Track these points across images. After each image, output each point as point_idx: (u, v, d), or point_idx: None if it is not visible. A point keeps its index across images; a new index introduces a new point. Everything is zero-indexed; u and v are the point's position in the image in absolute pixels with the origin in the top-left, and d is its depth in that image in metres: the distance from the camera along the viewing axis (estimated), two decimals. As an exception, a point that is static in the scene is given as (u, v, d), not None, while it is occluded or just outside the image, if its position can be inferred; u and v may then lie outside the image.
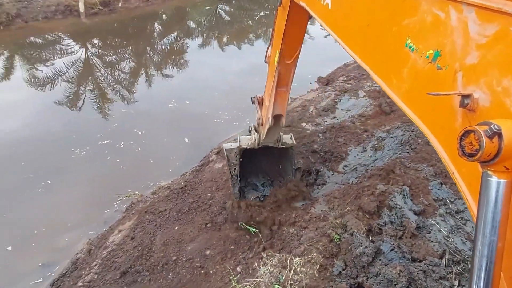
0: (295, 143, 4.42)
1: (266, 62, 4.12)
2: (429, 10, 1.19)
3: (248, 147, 4.39)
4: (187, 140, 7.34)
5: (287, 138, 4.40)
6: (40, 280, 5.16)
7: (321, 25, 2.21)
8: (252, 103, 4.63)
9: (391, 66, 1.49)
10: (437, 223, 4.10)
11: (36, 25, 12.22)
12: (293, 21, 3.22)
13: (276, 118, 3.89)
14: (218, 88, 9.23)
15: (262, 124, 4.25)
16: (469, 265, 3.69)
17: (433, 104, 1.20)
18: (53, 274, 5.22)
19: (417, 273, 3.41)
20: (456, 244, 3.89)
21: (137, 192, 6.49)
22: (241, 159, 4.47)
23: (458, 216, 4.18)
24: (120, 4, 13.43)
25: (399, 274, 3.28)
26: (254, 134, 4.44)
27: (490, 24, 0.99)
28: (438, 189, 4.44)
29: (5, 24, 11.52)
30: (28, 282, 5.11)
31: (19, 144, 7.37)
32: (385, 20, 1.49)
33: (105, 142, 7.32)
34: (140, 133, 7.52)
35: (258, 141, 4.33)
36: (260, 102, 4.43)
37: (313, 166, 5.82)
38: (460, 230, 4.05)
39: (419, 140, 5.05)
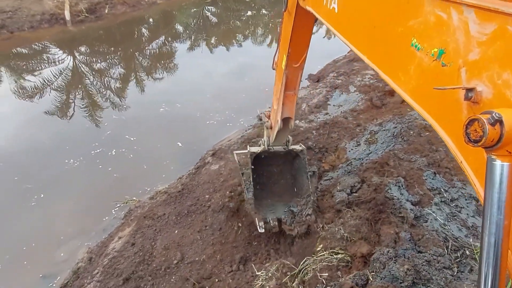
0: (304, 148, 4.48)
1: (273, 69, 4.15)
2: (432, 11, 1.28)
3: (258, 152, 4.41)
4: (180, 144, 7.35)
5: (297, 147, 4.47)
6: (41, 291, 5.13)
7: (327, 28, 2.27)
8: (260, 120, 4.68)
9: (398, 64, 1.56)
10: (433, 212, 4.23)
11: (22, 35, 12.01)
12: (300, 25, 3.25)
13: (285, 121, 3.95)
14: (208, 90, 9.25)
15: (271, 128, 4.30)
16: (467, 252, 3.82)
17: (440, 98, 1.28)
18: (54, 285, 5.19)
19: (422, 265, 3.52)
20: (452, 231, 4.02)
21: (134, 198, 6.48)
22: (252, 166, 4.45)
23: (453, 204, 4.31)
24: (106, 11, 13.30)
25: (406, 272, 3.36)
26: (262, 140, 4.53)
27: (488, 23, 1.07)
28: (432, 179, 4.56)
29: (-11, 36, 11.33)
30: (29, 294, 5.09)
31: (11, 157, 7.27)
32: (391, 21, 1.57)
33: (98, 151, 7.28)
34: (132, 139, 7.50)
35: (268, 144, 4.37)
36: (268, 116, 4.48)
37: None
38: (455, 217, 4.17)
39: (411, 132, 5.18)
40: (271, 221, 4.49)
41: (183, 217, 5.65)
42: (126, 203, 6.43)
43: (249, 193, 4.43)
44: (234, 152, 4.67)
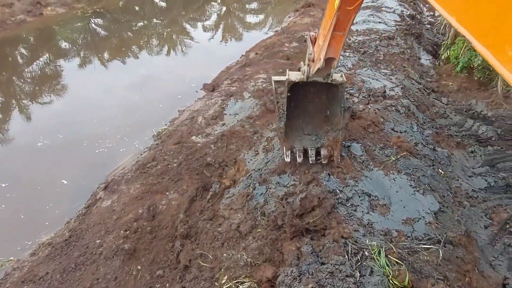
0: (345, 80, 4.20)
1: None
2: None
3: (297, 81, 4.19)
4: (65, 182, 6.34)
5: (337, 76, 4.17)
6: None
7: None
8: (304, 41, 4.39)
9: (508, 33, 1.12)
10: (331, 217, 4.09)
11: None
12: None
13: (328, 60, 3.67)
14: (97, 112, 8.23)
15: (313, 60, 4.03)
16: (366, 252, 3.73)
17: None
18: None
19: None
20: (350, 233, 3.92)
21: (12, 258, 5.39)
22: (288, 94, 4.29)
23: (349, 204, 4.24)
24: (-39, 34, 11.22)
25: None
26: (303, 67, 4.19)
27: None
28: (327, 181, 4.46)
29: None
30: None
31: None
32: None
33: (-43, 207, 5.92)
34: (3, 185, 6.26)
35: (308, 75, 4.10)
36: (313, 41, 4.17)
37: (209, 181, 5.47)
38: (352, 217, 4.10)
39: (304, 135, 5.05)
40: (297, 152, 4.66)
41: (70, 272, 4.78)
42: (1, 266, 5.31)
43: (281, 122, 4.48)
44: (272, 77, 4.41)
